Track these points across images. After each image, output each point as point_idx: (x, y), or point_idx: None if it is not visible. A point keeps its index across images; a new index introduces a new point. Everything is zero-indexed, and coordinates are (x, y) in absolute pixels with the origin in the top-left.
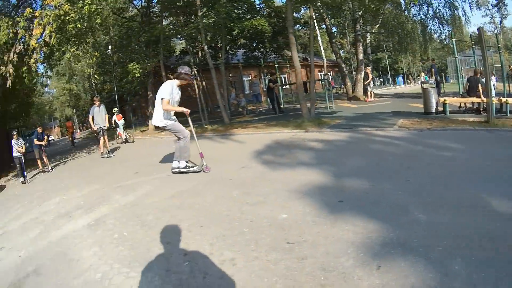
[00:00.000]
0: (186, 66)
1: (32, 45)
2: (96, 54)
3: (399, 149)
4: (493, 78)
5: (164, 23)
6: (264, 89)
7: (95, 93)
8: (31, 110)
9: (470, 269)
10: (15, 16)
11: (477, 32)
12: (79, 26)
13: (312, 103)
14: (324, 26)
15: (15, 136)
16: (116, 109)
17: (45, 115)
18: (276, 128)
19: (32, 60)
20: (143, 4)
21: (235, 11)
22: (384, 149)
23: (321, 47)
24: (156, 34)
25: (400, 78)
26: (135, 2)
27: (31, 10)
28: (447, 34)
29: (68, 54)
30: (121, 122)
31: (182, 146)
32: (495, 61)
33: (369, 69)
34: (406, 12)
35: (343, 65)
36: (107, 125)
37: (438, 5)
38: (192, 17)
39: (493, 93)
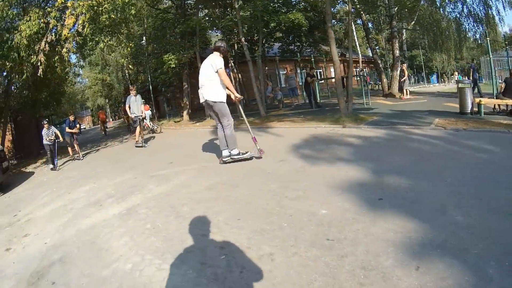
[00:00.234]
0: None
1: (65, 35)
2: (130, 44)
3: (437, 149)
4: None
5: (199, 15)
6: (300, 83)
7: (129, 83)
8: (62, 99)
9: (503, 274)
10: (46, 7)
11: (509, 32)
12: (113, 17)
13: (350, 98)
14: (359, 22)
15: (45, 126)
16: (142, 100)
17: (76, 104)
18: (313, 123)
19: (64, 50)
20: None
21: (271, 4)
22: (421, 147)
23: (357, 43)
24: (192, 26)
25: (434, 77)
26: None
27: (63, 1)
28: (481, 33)
29: (101, 44)
30: (148, 112)
31: (229, 134)
32: None
33: (405, 66)
34: (441, 10)
35: (379, 61)
36: (144, 114)
37: (472, 3)
38: (228, 9)
39: None
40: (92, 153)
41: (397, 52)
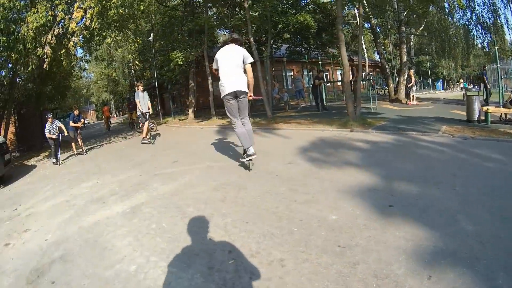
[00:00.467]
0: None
1: (72, 28)
2: (138, 40)
3: (445, 156)
4: None
5: (208, 13)
6: (307, 85)
7: (135, 79)
8: (67, 93)
9: None
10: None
11: None
12: (121, 12)
13: (358, 102)
14: (367, 26)
15: (50, 119)
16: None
17: (81, 98)
18: (320, 126)
19: (71, 43)
20: None
21: (280, 5)
22: (430, 154)
23: (364, 47)
24: (201, 24)
25: (440, 83)
26: None
27: None
28: (489, 41)
29: (109, 39)
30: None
31: (251, 129)
32: None
33: (412, 71)
34: (450, 16)
35: (386, 66)
36: (150, 111)
37: (481, 11)
38: (236, 9)
39: None
40: (96, 148)
41: (404, 58)
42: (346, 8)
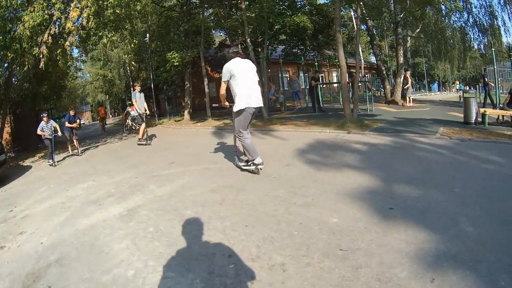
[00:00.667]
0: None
1: (68, 27)
2: (134, 41)
3: (443, 158)
4: None
5: (204, 14)
6: (303, 87)
7: (130, 80)
8: (63, 93)
9: None
10: None
11: None
12: (117, 12)
13: (355, 104)
14: (364, 27)
15: (45, 119)
16: (129, 102)
17: (76, 99)
18: (317, 127)
19: (67, 43)
20: None
21: (277, 6)
22: (428, 156)
23: (360, 48)
24: (197, 25)
25: (435, 85)
26: None
27: None
28: (486, 43)
29: (105, 39)
30: (133, 113)
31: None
32: None
33: (408, 73)
34: (446, 19)
35: (383, 68)
36: (147, 111)
37: (478, 13)
38: (233, 10)
39: None
40: (92, 149)
41: (401, 59)
42: (342, 10)
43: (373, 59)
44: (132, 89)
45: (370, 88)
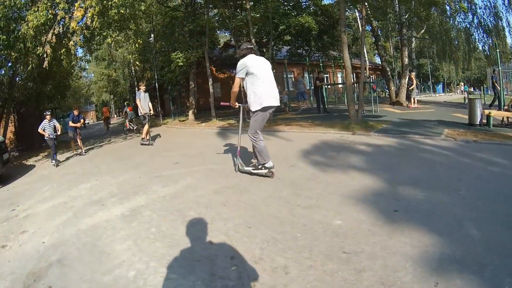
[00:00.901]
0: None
1: (73, 27)
2: (139, 41)
3: (448, 160)
4: None
5: (209, 14)
6: (308, 87)
7: (135, 80)
8: (67, 93)
9: None
10: None
11: None
12: (122, 12)
13: (360, 105)
14: (369, 28)
15: (47, 117)
16: (127, 102)
17: (81, 98)
18: (321, 128)
19: (71, 43)
20: None
21: (282, 7)
22: (433, 158)
23: (364, 49)
24: (202, 25)
25: (440, 86)
26: None
27: None
28: (490, 44)
29: (109, 39)
30: (131, 113)
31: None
32: None
33: (413, 74)
34: (451, 20)
35: (387, 69)
36: (152, 111)
37: (483, 14)
38: (238, 10)
39: None
40: (95, 149)
41: (406, 60)
42: (347, 10)
43: (378, 60)
44: (137, 88)
45: (375, 89)
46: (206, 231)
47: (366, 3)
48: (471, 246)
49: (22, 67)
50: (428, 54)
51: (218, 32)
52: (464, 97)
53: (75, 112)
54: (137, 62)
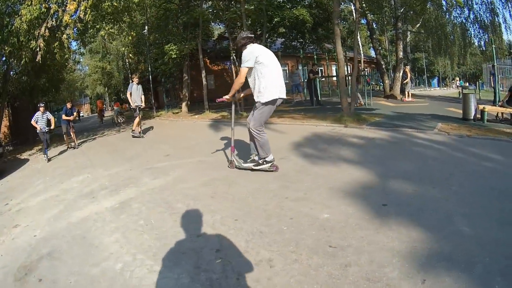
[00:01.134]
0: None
1: (66, 21)
2: (132, 33)
3: (441, 154)
4: None
5: (203, 6)
6: (302, 80)
7: (129, 72)
8: (61, 86)
9: None
10: None
11: None
12: (115, 4)
13: (353, 98)
14: (364, 21)
15: (41, 109)
16: (114, 97)
17: (75, 91)
18: (313, 121)
19: (64, 36)
20: None
21: None
22: (425, 152)
23: (359, 43)
24: (196, 17)
25: (435, 81)
26: None
27: None
28: (486, 40)
29: (103, 32)
30: (117, 109)
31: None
32: None
33: (408, 68)
34: (447, 14)
35: (382, 62)
36: (143, 104)
37: (479, 10)
38: (232, 2)
39: None
40: (88, 142)
41: (400, 54)
42: (342, 3)
43: (372, 53)
44: (130, 81)
45: (369, 82)
46: (193, 224)
47: None
48: (461, 243)
49: (16, 61)
50: (424, 48)
51: (213, 24)
52: (459, 91)
53: (68, 105)
54: (130, 55)
